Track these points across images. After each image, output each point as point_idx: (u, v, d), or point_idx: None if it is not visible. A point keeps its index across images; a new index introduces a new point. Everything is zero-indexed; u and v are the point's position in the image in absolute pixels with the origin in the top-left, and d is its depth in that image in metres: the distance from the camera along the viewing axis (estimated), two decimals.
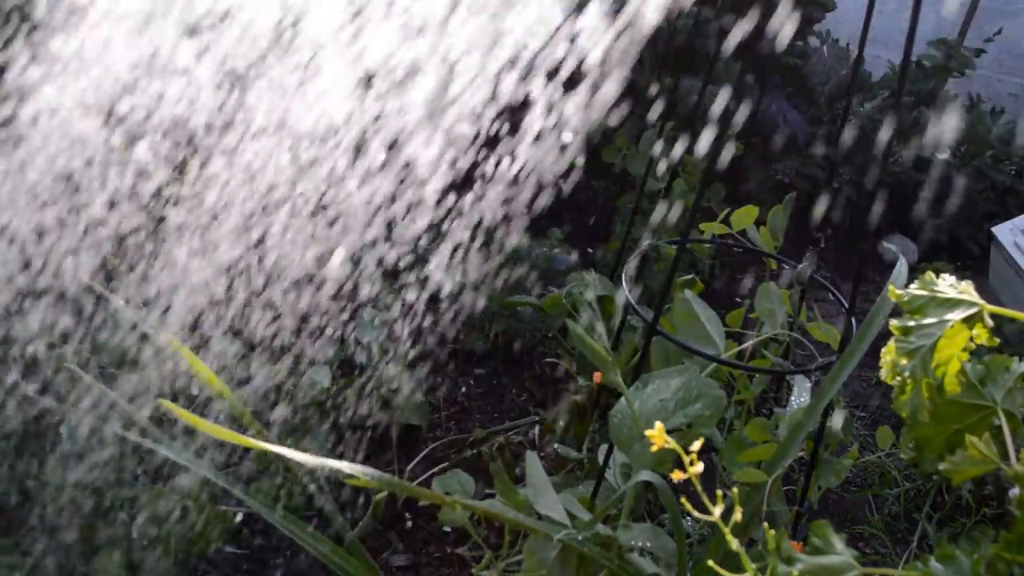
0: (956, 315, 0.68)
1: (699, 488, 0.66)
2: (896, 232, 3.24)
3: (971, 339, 0.68)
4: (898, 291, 0.72)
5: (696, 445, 0.67)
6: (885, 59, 3.64)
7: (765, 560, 0.69)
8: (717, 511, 0.65)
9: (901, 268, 1.02)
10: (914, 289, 0.71)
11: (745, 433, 1.14)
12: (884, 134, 3.18)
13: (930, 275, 0.72)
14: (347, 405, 1.68)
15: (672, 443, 0.67)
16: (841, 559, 0.68)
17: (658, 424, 0.68)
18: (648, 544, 1.04)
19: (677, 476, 0.67)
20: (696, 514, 0.66)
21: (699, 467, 0.66)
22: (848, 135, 3.12)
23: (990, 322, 0.68)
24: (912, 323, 0.70)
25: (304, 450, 0.92)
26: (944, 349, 0.69)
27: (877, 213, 1.23)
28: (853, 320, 1.20)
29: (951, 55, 3.20)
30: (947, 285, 0.70)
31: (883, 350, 0.72)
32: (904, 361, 0.69)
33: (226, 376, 1.32)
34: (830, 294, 1.42)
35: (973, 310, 0.68)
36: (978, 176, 3.07)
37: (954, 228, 3.18)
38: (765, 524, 0.70)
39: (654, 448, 0.67)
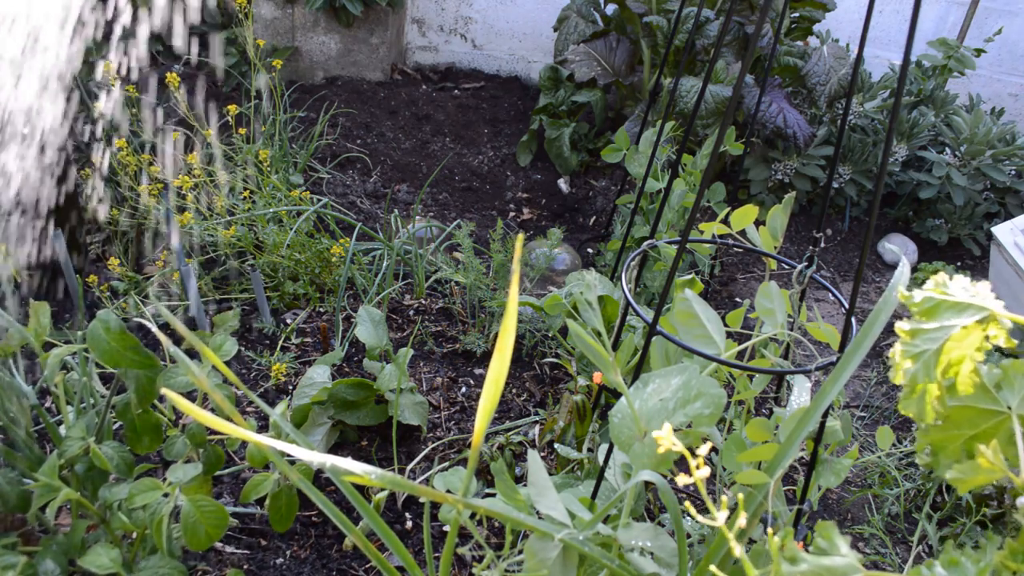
0: (965, 320, 0.67)
1: (704, 492, 0.66)
2: (896, 232, 3.25)
3: (986, 339, 0.68)
4: (908, 293, 0.71)
5: (704, 449, 0.67)
6: (885, 59, 3.64)
7: (767, 561, 0.69)
8: (721, 517, 0.65)
9: (903, 270, 1.02)
10: (926, 292, 0.70)
11: (745, 433, 1.14)
12: (883, 134, 3.19)
13: (943, 277, 0.71)
14: None
15: (680, 446, 0.67)
16: (845, 561, 0.68)
17: (667, 425, 0.68)
18: (648, 544, 1.04)
19: (682, 480, 0.67)
20: (699, 518, 0.66)
21: (706, 471, 0.66)
22: (848, 135, 3.13)
23: (1008, 324, 0.67)
24: (918, 326, 0.69)
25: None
26: (955, 349, 0.68)
27: (877, 213, 1.23)
28: (853, 320, 1.20)
29: (951, 55, 3.20)
30: (959, 288, 0.69)
31: (891, 350, 0.71)
32: (909, 364, 0.69)
33: None
34: (830, 294, 1.42)
35: (984, 314, 0.67)
36: (978, 176, 3.08)
37: (954, 228, 3.19)
38: (763, 527, 0.70)
39: (660, 451, 0.67)
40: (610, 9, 3.39)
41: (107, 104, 2.51)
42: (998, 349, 0.72)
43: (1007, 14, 3.59)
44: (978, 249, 3.22)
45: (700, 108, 2.59)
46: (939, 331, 0.68)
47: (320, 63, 3.74)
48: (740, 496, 0.72)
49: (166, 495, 1.24)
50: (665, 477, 1.06)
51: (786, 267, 1.40)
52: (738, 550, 0.65)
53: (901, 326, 0.70)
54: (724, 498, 0.68)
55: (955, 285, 0.69)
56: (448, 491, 1.49)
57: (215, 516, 1.25)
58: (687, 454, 0.67)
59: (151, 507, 1.22)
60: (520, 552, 1.32)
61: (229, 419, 0.91)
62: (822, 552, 0.68)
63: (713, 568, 0.70)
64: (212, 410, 1.70)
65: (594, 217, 3.12)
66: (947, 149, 3.16)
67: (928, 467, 0.73)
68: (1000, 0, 3.57)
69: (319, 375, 1.84)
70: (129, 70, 3.17)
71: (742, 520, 0.68)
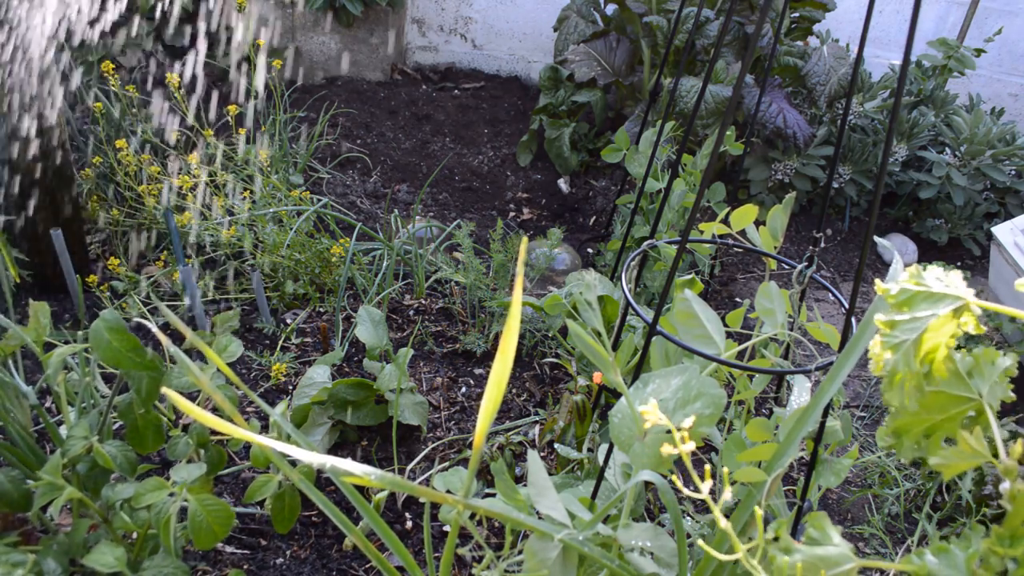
0: (942, 309, 0.68)
1: (689, 466, 0.67)
2: (896, 232, 3.25)
3: (958, 326, 0.68)
4: (884, 286, 0.71)
5: (688, 421, 0.67)
6: (885, 59, 3.65)
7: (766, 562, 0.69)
8: (706, 487, 0.65)
9: (897, 267, 1.02)
10: (902, 284, 0.71)
11: (745, 433, 1.15)
12: (884, 134, 3.20)
13: (917, 269, 0.71)
14: None
15: (666, 420, 0.68)
16: (838, 550, 0.68)
17: (652, 401, 0.69)
18: (648, 544, 1.04)
19: (668, 452, 0.67)
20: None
21: (691, 445, 0.66)
22: (848, 135, 3.13)
23: (978, 311, 0.68)
24: (897, 317, 0.70)
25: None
26: (931, 338, 0.69)
27: (877, 213, 1.23)
28: (853, 320, 1.20)
29: (951, 55, 3.20)
30: (934, 279, 0.70)
31: (871, 343, 0.72)
32: (888, 355, 0.70)
33: None
34: (830, 294, 1.42)
35: (959, 303, 0.68)
36: (978, 176, 3.08)
37: (954, 228, 3.19)
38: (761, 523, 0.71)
39: (648, 425, 0.68)
40: (610, 9, 3.40)
41: (107, 103, 2.51)
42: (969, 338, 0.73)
43: (1007, 14, 3.59)
44: (978, 249, 3.22)
45: (700, 108, 2.59)
46: (917, 321, 0.68)
47: (320, 63, 3.74)
48: (726, 471, 0.72)
49: (172, 494, 1.24)
50: (665, 477, 1.06)
51: (786, 267, 1.40)
52: (723, 521, 0.65)
53: (879, 317, 0.70)
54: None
55: (929, 276, 0.70)
56: (448, 491, 1.49)
57: (221, 515, 1.26)
58: (686, 458, 0.67)
59: (156, 506, 1.22)
60: (520, 552, 1.32)
61: (231, 420, 0.92)
62: (814, 542, 0.69)
63: (701, 543, 0.70)
64: (214, 410, 1.70)
65: (594, 217, 3.13)
66: (947, 149, 3.17)
67: (889, 449, 0.74)
68: (1000, 0, 3.57)
69: (319, 375, 1.85)
70: (129, 70, 3.17)
71: (728, 493, 0.68)
